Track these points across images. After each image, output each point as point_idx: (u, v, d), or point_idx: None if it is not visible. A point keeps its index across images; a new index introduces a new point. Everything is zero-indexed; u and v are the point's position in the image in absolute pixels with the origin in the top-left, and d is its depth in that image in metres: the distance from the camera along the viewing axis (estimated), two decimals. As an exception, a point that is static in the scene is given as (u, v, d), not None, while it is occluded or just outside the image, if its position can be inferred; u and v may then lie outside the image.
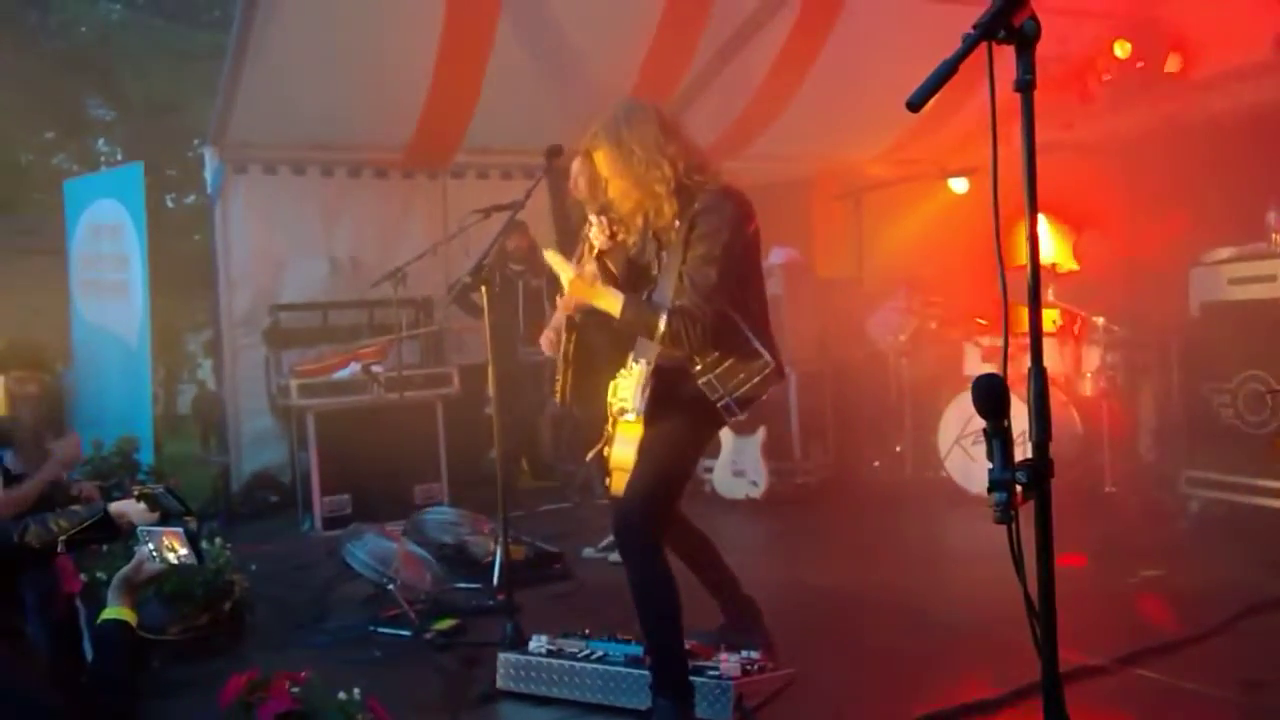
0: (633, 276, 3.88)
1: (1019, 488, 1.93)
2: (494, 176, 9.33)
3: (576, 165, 5.16)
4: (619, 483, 3.81)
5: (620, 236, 3.80)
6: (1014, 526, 1.95)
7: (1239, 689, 3.67)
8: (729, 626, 4.27)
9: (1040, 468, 1.95)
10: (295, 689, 2.83)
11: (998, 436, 1.94)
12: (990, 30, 1.92)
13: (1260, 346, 5.75)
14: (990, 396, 1.96)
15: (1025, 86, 1.94)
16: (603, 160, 3.68)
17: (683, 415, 3.74)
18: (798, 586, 5.44)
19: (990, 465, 1.95)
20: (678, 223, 3.64)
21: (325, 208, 8.75)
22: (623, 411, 3.80)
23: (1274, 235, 5.81)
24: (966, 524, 6.70)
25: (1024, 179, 1.96)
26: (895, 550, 6.29)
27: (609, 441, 3.93)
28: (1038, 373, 2.01)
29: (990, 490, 1.93)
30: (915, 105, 1.89)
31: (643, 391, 3.70)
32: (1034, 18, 1.93)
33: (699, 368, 3.67)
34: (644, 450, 3.71)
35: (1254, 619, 4.39)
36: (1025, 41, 1.94)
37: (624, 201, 3.69)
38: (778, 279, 7.83)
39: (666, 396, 3.71)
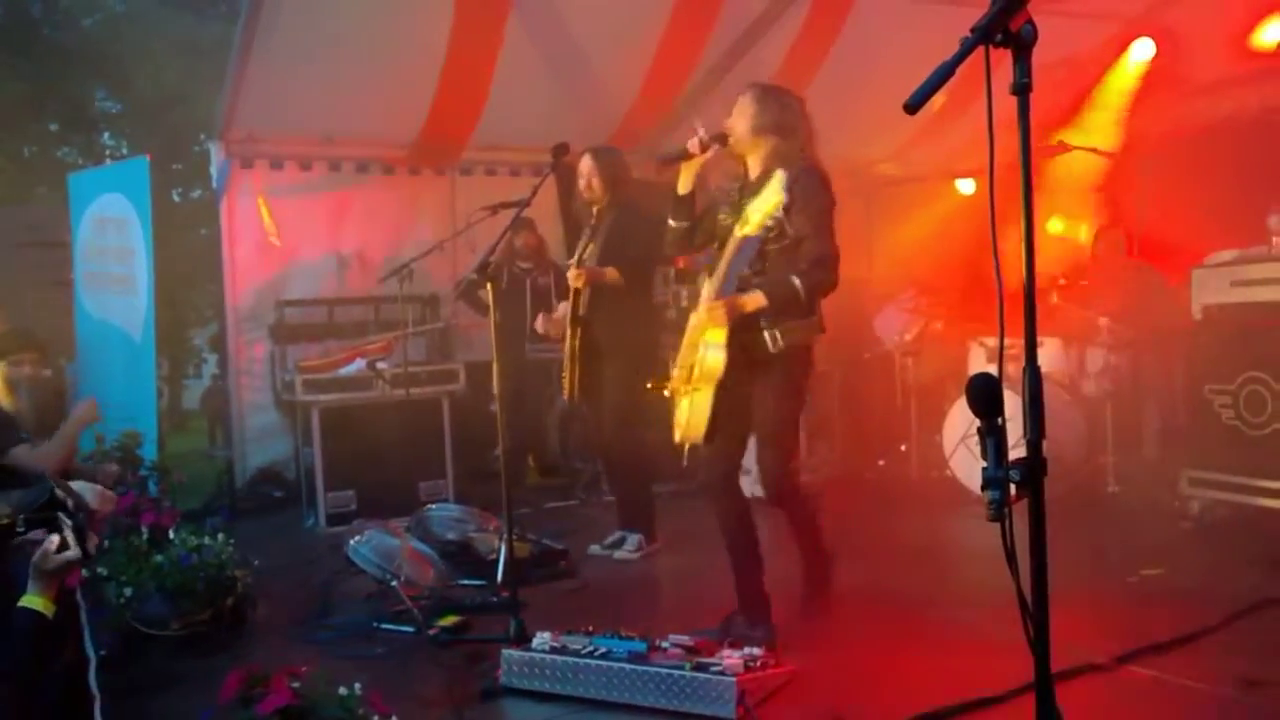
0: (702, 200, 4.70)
1: (1013, 485, 1.94)
2: (502, 173, 9.32)
3: (585, 164, 5.35)
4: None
5: (710, 150, 4.50)
6: (1008, 524, 1.96)
7: (1237, 687, 3.67)
8: (738, 614, 4.45)
9: (1034, 466, 1.96)
10: (295, 683, 2.84)
11: (992, 435, 1.96)
12: (988, 34, 1.93)
13: (1261, 348, 5.76)
14: (984, 395, 1.98)
15: (1022, 90, 1.96)
16: (746, 102, 4.47)
17: (769, 373, 4.38)
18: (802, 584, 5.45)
19: (984, 464, 1.96)
20: (775, 182, 4.16)
21: (332, 203, 8.76)
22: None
23: (1275, 238, 5.83)
24: (971, 523, 6.70)
25: (1020, 181, 1.97)
26: (899, 549, 6.29)
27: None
28: (1032, 371, 2.02)
29: (984, 488, 1.94)
30: (913, 107, 1.91)
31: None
32: (1031, 22, 1.94)
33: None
34: (760, 415, 4.45)
35: (1253, 618, 4.40)
36: (1022, 45, 1.95)
37: (742, 141, 4.47)
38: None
39: (747, 362, 4.34)
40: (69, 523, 2.97)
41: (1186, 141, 7.83)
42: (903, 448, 8.25)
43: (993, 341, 7.30)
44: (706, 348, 4.26)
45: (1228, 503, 6.00)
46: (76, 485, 3.21)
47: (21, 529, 3.09)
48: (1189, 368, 6.26)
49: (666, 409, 4.66)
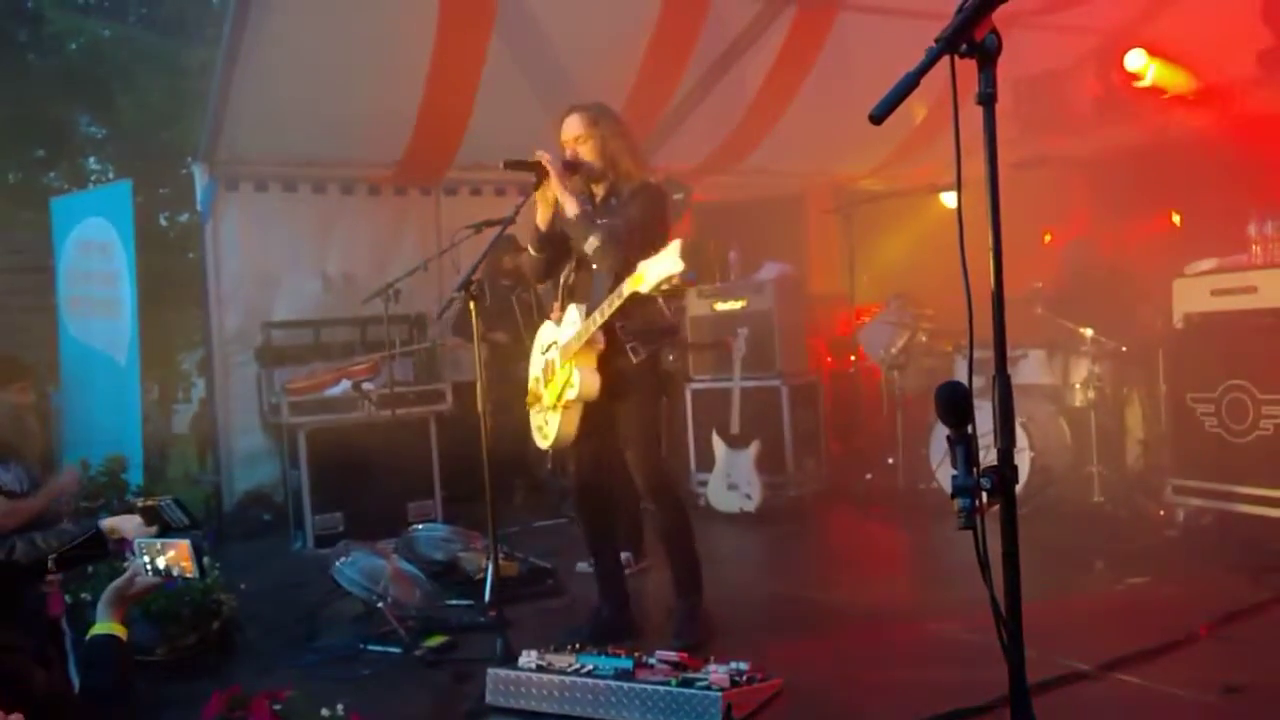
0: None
1: (984, 494, 1.95)
2: (487, 192, 9.33)
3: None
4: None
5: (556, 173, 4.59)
6: (979, 532, 1.97)
7: (1221, 694, 3.68)
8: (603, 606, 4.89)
9: (1005, 475, 1.96)
10: (277, 706, 2.84)
11: (961, 443, 1.96)
12: (952, 44, 1.95)
13: (1242, 356, 5.79)
14: (952, 404, 1.98)
15: (987, 100, 1.97)
16: (582, 125, 4.66)
17: (631, 384, 4.64)
18: (790, 598, 5.46)
19: (954, 472, 1.97)
20: (613, 200, 4.65)
21: (317, 224, 8.75)
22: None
23: (1254, 247, 5.86)
24: (958, 535, 6.64)
25: (987, 191, 1.98)
26: (887, 561, 6.30)
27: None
28: (1002, 381, 2.03)
29: (953, 496, 1.95)
30: (877, 118, 1.92)
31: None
32: (995, 32, 1.95)
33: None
34: (631, 426, 4.70)
35: (1236, 624, 4.42)
36: (986, 56, 1.96)
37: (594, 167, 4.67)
38: (769, 293, 7.87)
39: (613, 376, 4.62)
40: (184, 542, 3.04)
41: (1165, 150, 7.87)
42: (890, 461, 8.24)
43: (978, 353, 7.28)
44: (580, 371, 4.56)
45: (1212, 510, 6.02)
46: (121, 520, 3.25)
47: (52, 568, 3.13)
48: (1171, 376, 6.28)
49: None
